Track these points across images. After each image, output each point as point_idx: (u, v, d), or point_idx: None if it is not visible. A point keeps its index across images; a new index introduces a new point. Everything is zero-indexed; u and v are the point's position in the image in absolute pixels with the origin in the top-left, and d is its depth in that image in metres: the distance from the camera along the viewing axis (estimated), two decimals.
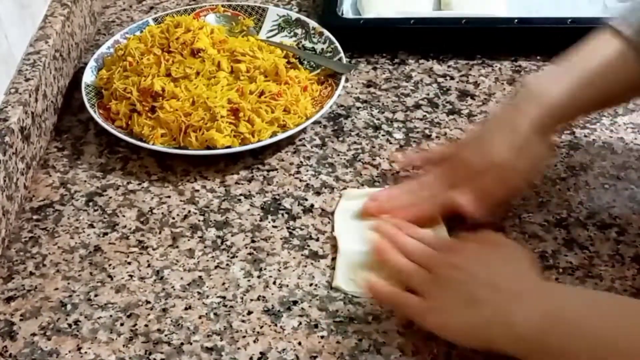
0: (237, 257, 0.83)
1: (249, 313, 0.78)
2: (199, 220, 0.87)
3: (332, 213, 0.87)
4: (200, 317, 0.77)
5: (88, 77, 1.01)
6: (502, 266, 0.73)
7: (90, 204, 0.90)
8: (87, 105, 0.97)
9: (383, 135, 0.97)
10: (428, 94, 1.03)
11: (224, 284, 0.80)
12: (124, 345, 0.75)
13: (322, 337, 0.75)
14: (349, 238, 0.84)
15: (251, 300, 0.79)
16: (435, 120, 0.99)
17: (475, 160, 0.83)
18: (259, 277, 0.81)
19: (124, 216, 0.88)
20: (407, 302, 0.74)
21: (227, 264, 0.82)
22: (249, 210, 0.88)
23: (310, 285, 0.80)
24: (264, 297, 0.79)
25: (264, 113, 0.94)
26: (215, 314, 0.78)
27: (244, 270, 0.82)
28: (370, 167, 0.93)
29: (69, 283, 0.81)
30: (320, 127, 0.99)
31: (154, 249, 0.84)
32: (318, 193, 0.90)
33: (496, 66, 1.07)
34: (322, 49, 1.06)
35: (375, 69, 1.07)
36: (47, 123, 0.97)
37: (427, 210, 0.84)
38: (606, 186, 0.89)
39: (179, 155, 0.93)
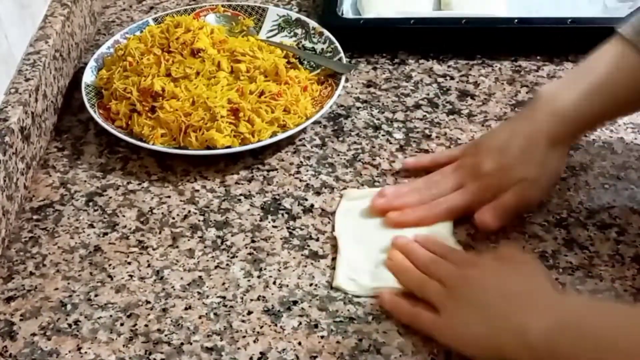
0: (237, 257, 0.83)
1: (249, 313, 0.78)
2: (199, 220, 0.87)
3: (332, 213, 0.87)
4: (200, 317, 0.77)
5: (88, 77, 1.01)
6: (517, 280, 0.73)
7: (90, 204, 0.90)
8: (87, 105, 0.97)
9: (383, 135, 0.97)
10: (428, 94, 1.03)
11: (224, 284, 0.80)
12: (124, 345, 0.75)
13: (322, 337, 0.75)
14: (350, 238, 0.84)
15: (251, 300, 0.79)
16: (435, 120, 0.99)
17: (495, 173, 0.83)
18: (259, 277, 0.81)
19: (124, 216, 0.88)
20: (422, 317, 0.74)
21: (227, 264, 0.82)
22: (249, 210, 0.88)
23: (310, 285, 0.80)
24: (264, 297, 0.79)
25: (264, 113, 0.94)
26: (215, 314, 0.78)
27: (244, 270, 0.82)
28: (370, 167, 0.93)
29: (69, 283, 0.81)
30: (320, 127, 0.99)
31: (154, 249, 0.84)
32: (318, 193, 0.90)
33: (496, 66, 1.07)
34: (322, 49, 1.06)
35: (375, 69, 1.07)
36: (47, 123, 0.97)
37: (435, 210, 0.84)
38: (606, 186, 0.89)
39: (179, 155, 0.93)
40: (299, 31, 1.09)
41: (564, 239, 0.84)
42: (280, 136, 0.93)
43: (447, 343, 0.72)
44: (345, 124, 0.99)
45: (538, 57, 1.07)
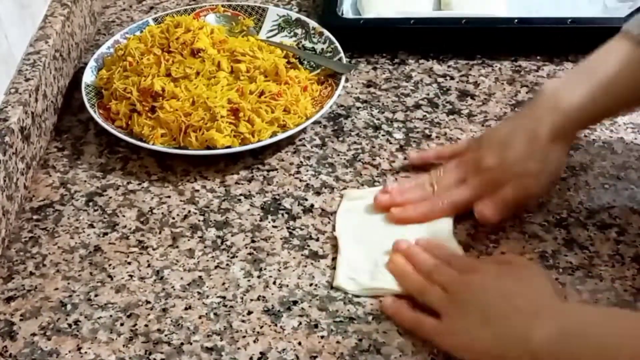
0: (237, 257, 0.83)
1: (249, 313, 0.78)
2: (199, 220, 0.87)
3: (332, 213, 0.87)
4: (200, 317, 0.77)
5: (88, 77, 1.01)
6: (519, 286, 0.73)
7: (90, 204, 0.90)
8: (87, 105, 0.97)
9: (383, 135, 0.97)
10: (428, 94, 1.03)
11: (224, 284, 0.80)
12: (124, 345, 0.75)
13: (322, 337, 0.75)
14: (350, 238, 0.84)
15: (251, 300, 0.79)
16: (435, 120, 0.99)
17: (497, 168, 0.83)
18: (259, 277, 0.81)
19: (124, 216, 0.88)
20: (424, 323, 0.74)
21: (227, 264, 0.82)
22: (249, 210, 0.88)
23: (310, 285, 0.80)
24: (264, 297, 0.79)
25: (264, 113, 0.94)
26: (215, 314, 0.78)
27: (244, 270, 0.82)
28: (370, 167, 0.93)
29: (69, 283, 0.81)
30: (320, 127, 0.99)
31: (154, 249, 0.84)
32: (318, 193, 0.90)
33: (496, 66, 1.07)
34: (322, 49, 1.06)
35: (375, 69, 1.07)
36: (47, 123, 0.97)
37: (437, 206, 0.85)
38: (606, 186, 0.89)
39: (179, 155, 0.93)
40: (299, 31, 1.09)
41: (564, 239, 0.84)
42: (280, 136, 0.93)
43: (449, 349, 0.72)
44: (345, 124, 0.99)
45: (538, 57, 1.07)
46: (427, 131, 0.97)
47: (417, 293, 0.76)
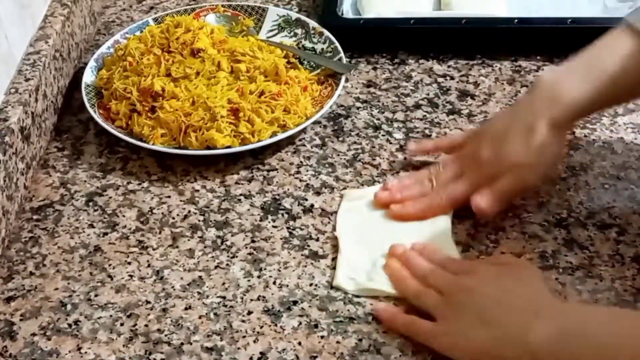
0: (237, 257, 0.83)
1: (249, 313, 0.78)
2: (199, 220, 0.87)
3: (332, 213, 0.87)
4: (200, 317, 0.77)
5: (88, 77, 1.01)
6: (515, 286, 0.73)
7: (90, 204, 0.90)
8: (87, 105, 0.97)
9: (383, 135, 0.97)
10: (428, 94, 1.03)
11: (224, 284, 0.80)
12: (124, 345, 0.75)
13: (322, 337, 0.75)
14: (351, 238, 0.84)
15: (251, 300, 0.79)
16: (435, 120, 0.99)
17: (493, 160, 0.83)
18: (259, 277, 0.81)
19: (124, 216, 0.88)
20: (420, 326, 0.74)
21: (227, 264, 0.82)
22: (249, 210, 0.88)
23: (310, 285, 0.80)
24: (264, 297, 0.79)
25: (264, 113, 0.94)
26: (215, 314, 0.78)
27: (244, 270, 0.82)
28: (370, 167, 0.93)
29: (69, 283, 0.81)
30: (320, 127, 0.99)
31: (154, 249, 0.84)
32: (318, 193, 0.90)
33: (496, 66, 1.07)
34: (322, 49, 1.06)
35: (375, 69, 1.07)
36: (47, 123, 0.97)
37: (436, 201, 0.85)
38: (606, 186, 0.89)
39: (179, 155, 0.93)
40: (299, 31, 1.09)
41: (564, 239, 0.84)
42: (280, 136, 0.93)
43: (445, 351, 0.72)
44: (345, 124, 0.99)
45: (538, 57, 1.07)
46: (427, 131, 0.97)
47: (413, 297, 0.76)
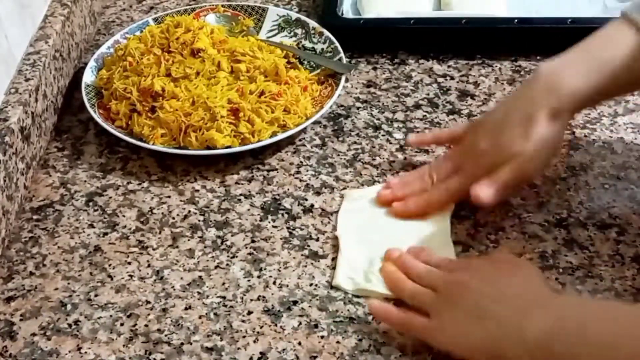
0: (237, 257, 0.83)
1: (249, 313, 0.78)
2: (199, 220, 0.87)
3: (332, 213, 0.87)
4: (200, 317, 0.77)
5: (88, 77, 1.01)
6: (510, 281, 0.72)
7: (90, 204, 0.90)
8: (87, 105, 0.97)
9: (383, 135, 0.97)
10: (428, 94, 1.03)
11: (224, 284, 0.80)
12: (124, 345, 0.75)
13: (322, 337, 0.75)
14: (351, 238, 0.84)
15: (251, 300, 0.79)
16: (435, 120, 0.99)
17: (491, 151, 0.82)
18: (259, 277, 0.81)
19: (124, 216, 0.88)
20: (414, 322, 0.73)
21: (227, 264, 0.82)
22: (249, 210, 0.88)
23: (310, 285, 0.80)
24: (264, 297, 0.79)
25: (264, 113, 0.94)
26: (215, 314, 0.78)
27: (244, 270, 0.82)
28: (370, 167, 0.93)
29: (69, 283, 0.81)
30: (320, 127, 0.99)
31: (154, 249, 0.84)
32: (318, 193, 0.90)
33: (496, 66, 1.07)
34: (322, 49, 1.06)
35: (375, 69, 1.07)
36: (47, 123, 0.97)
37: (435, 196, 0.85)
38: (606, 186, 0.89)
39: (179, 155, 0.93)
40: (299, 31, 1.09)
41: (564, 239, 0.84)
42: (280, 136, 0.93)
43: (441, 347, 0.72)
44: (345, 124, 0.99)
45: (538, 57, 1.07)
46: (427, 131, 0.97)
47: (409, 297, 0.76)
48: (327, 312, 0.77)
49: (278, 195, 0.90)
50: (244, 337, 0.76)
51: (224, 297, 0.79)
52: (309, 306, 0.78)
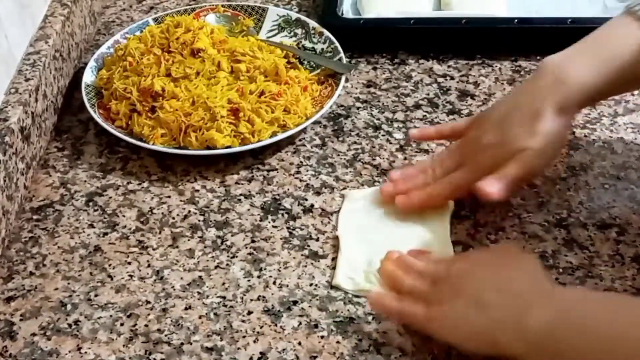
0: (237, 257, 0.83)
1: (249, 313, 0.78)
2: (199, 220, 0.87)
3: (332, 213, 0.87)
4: (200, 317, 0.77)
5: (88, 77, 1.01)
6: (511, 271, 0.72)
7: (90, 204, 0.90)
8: (87, 105, 0.97)
9: (383, 135, 0.97)
10: (428, 94, 1.03)
11: (224, 284, 0.80)
12: (124, 345, 0.75)
13: (322, 337, 0.75)
14: (351, 238, 0.84)
15: (251, 300, 0.79)
16: (435, 120, 0.99)
17: (497, 145, 0.81)
18: (259, 277, 0.81)
19: (124, 216, 0.88)
20: (412, 310, 0.73)
21: (227, 264, 0.82)
22: (249, 210, 0.88)
23: (310, 285, 0.80)
24: (264, 297, 0.79)
25: (264, 113, 0.94)
26: (215, 314, 0.78)
27: (244, 270, 0.82)
28: (370, 167, 0.93)
29: (69, 283, 0.81)
30: (320, 127, 0.99)
31: (154, 249, 0.84)
32: (318, 193, 0.90)
33: (496, 66, 1.07)
34: (322, 49, 1.06)
35: (375, 69, 1.07)
36: (47, 123, 0.97)
37: (437, 190, 0.84)
38: (606, 186, 0.89)
39: (179, 155, 0.93)
40: (299, 31, 1.09)
41: (564, 239, 0.84)
42: (280, 136, 0.93)
43: (440, 336, 0.72)
44: (345, 124, 0.99)
45: (538, 57, 1.07)
46: (422, 128, 0.97)
47: (407, 290, 0.75)
48: (327, 312, 0.77)
49: (278, 195, 0.90)
50: (244, 337, 0.76)
51: (224, 297, 0.79)
52: (309, 306, 0.78)
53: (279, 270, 0.82)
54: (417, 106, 1.01)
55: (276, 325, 0.76)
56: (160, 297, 0.79)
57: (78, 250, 0.84)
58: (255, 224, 0.87)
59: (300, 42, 1.08)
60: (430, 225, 0.84)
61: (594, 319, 0.65)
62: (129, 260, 0.83)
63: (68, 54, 1.04)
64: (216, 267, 0.82)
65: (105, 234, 0.86)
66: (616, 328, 0.63)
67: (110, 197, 0.90)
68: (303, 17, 1.10)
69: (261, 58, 1.00)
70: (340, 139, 0.97)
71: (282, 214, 0.88)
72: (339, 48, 1.04)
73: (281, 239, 0.85)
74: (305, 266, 0.82)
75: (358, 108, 1.01)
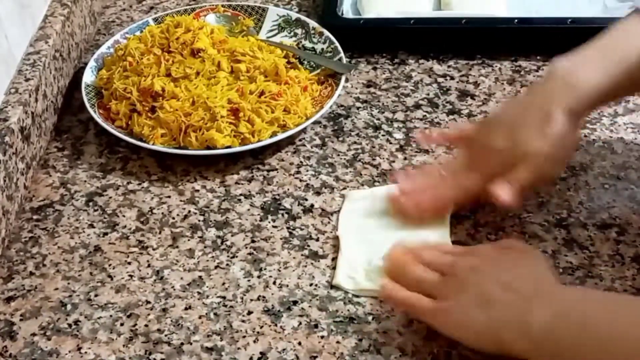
0: (237, 257, 0.83)
1: (249, 313, 0.78)
2: (199, 220, 0.87)
3: (333, 213, 0.87)
4: (200, 317, 0.77)
5: (88, 77, 1.01)
6: (516, 267, 0.72)
7: (90, 204, 0.90)
8: (87, 105, 0.97)
9: (383, 135, 0.97)
10: (428, 94, 1.03)
11: (224, 284, 0.80)
12: (124, 345, 0.75)
13: (322, 337, 0.75)
14: (352, 238, 0.84)
15: (251, 300, 0.79)
16: (435, 120, 0.99)
17: (509, 150, 0.80)
18: (259, 277, 0.81)
19: (124, 216, 0.88)
20: (419, 303, 0.73)
21: (227, 264, 0.82)
22: (249, 210, 0.88)
23: (310, 285, 0.80)
24: (264, 297, 0.79)
25: (264, 113, 0.94)
26: (215, 314, 0.78)
27: (244, 270, 0.82)
28: (370, 167, 0.93)
29: (69, 283, 0.81)
30: (320, 127, 0.99)
31: (154, 249, 0.84)
32: (318, 193, 0.90)
33: (496, 66, 1.07)
34: (322, 49, 1.06)
35: (375, 69, 1.07)
36: (47, 123, 0.97)
37: (450, 193, 0.84)
38: (606, 186, 0.89)
39: (179, 155, 0.93)
40: (299, 31, 1.09)
41: (564, 239, 0.84)
42: (280, 136, 0.93)
43: (444, 331, 0.72)
44: (345, 124, 0.99)
45: (538, 57, 1.07)
46: (427, 131, 0.97)
47: (415, 282, 0.74)
48: (327, 312, 0.77)
49: (278, 195, 0.90)
50: (244, 337, 0.76)
51: (224, 297, 0.79)
52: (309, 306, 0.78)
53: (279, 270, 0.82)
54: (417, 106, 1.01)
55: (276, 325, 0.76)
56: (160, 297, 0.79)
57: (78, 250, 0.84)
58: (255, 224, 0.87)
59: (300, 42, 1.08)
60: (430, 225, 0.84)
61: (594, 319, 0.65)
62: (129, 260, 0.83)
63: (68, 54, 1.04)
64: (216, 267, 0.82)
65: (105, 234, 0.86)
66: (616, 328, 0.64)
67: (110, 197, 0.90)
68: (303, 17, 1.10)
69: (261, 58, 1.00)
70: (340, 139, 0.97)
71: (282, 214, 0.88)
72: (339, 48, 1.04)
73: (281, 239, 0.85)
74: (305, 266, 0.82)
75: (358, 108, 1.01)
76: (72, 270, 0.82)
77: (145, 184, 0.92)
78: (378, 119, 0.99)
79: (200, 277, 0.81)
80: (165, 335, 0.76)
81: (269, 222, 0.87)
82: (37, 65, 0.95)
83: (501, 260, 0.74)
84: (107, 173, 0.93)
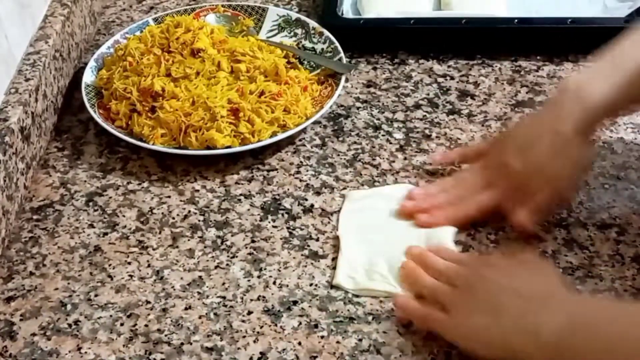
0: (237, 257, 0.83)
1: (249, 313, 0.78)
2: (199, 220, 0.87)
3: (333, 213, 0.87)
4: (200, 317, 0.77)
5: (88, 77, 1.01)
6: (527, 277, 0.73)
7: (90, 204, 0.90)
8: (87, 105, 0.97)
9: (383, 135, 0.97)
10: (428, 94, 1.03)
11: (224, 284, 0.80)
12: (124, 345, 0.75)
13: (322, 337, 0.75)
14: (352, 238, 0.84)
15: (251, 300, 0.79)
16: (435, 120, 0.99)
17: (526, 172, 0.82)
18: (259, 277, 0.81)
19: (124, 216, 0.88)
20: (434, 316, 0.73)
21: (227, 264, 0.82)
22: (249, 210, 0.88)
23: (310, 285, 0.80)
24: (264, 297, 0.79)
25: (264, 113, 0.94)
26: (215, 314, 0.78)
27: (244, 270, 0.82)
28: (370, 167, 0.93)
29: (69, 283, 0.81)
30: (320, 127, 0.99)
31: (154, 249, 0.84)
32: (318, 193, 0.90)
33: (496, 66, 1.07)
34: (322, 49, 1.06)
35: (375, 69, 1.07)
36: (47, 123, 0.97)
37: (463, 210, 0.84)
38: (606, 186, 0.89)
39: (179, 155, 0.93)
40: (299, 31, 1.09)
41: (564, 239, 0.84)
42: (280, 136, 0.93)
43: (457, 342, 0.72)
44: (345, 124, 0.99)
45: (538, 57, 1.07)
46: (427, 131, 0.97)
47: (428, 292, 0.76)
48: (327, 312, 0.77)
49: (278, 195, 0.90)
50: (244, 337, 0.76)
51: (224, 297, 0.79)
52: (309, 306, 0.78)
53: (279, 270, 0.82)
54: (417, 106, 1.01)
55: (276, 325, 0.76)
56: (160, 297, 0.79)
57: (78, 250, 0.84)
58: (255, 224, 0.87)
59: (300, 42, 1.08)
60: (435, 230, 0.84)
61: (606, 329, 0.65)
62: (129, 260, 0.83)
63: (68, 54, 1.04)
64: (216, 267, 0.82)
65: (105, 234, 0.86)
66: (628, 336, 0.64)
67: (110, 197, 0.90)
68: (303, 17, 1.10)
69: (261, 58, 1.00)
70: (340, 139, 0.97)
71: (282, 214, 0.88)
72: (339, 48, 1.04)
73: (281, 239, 0.85)
74: (305, 266, 0.82)
75: (358, 108, 1.01)
76: (72, 270, 0.82)
77: (145, 184, 0.92)
78: (378, 119, 0.99)
79: (200, 277, 0.81)
80: (165, 335, 0.76)
81: (269, 222, 0.87)
82: (37, 65, 0.95)
83: (514, 272, 0.74)
84: (107, 173, 0.93)
